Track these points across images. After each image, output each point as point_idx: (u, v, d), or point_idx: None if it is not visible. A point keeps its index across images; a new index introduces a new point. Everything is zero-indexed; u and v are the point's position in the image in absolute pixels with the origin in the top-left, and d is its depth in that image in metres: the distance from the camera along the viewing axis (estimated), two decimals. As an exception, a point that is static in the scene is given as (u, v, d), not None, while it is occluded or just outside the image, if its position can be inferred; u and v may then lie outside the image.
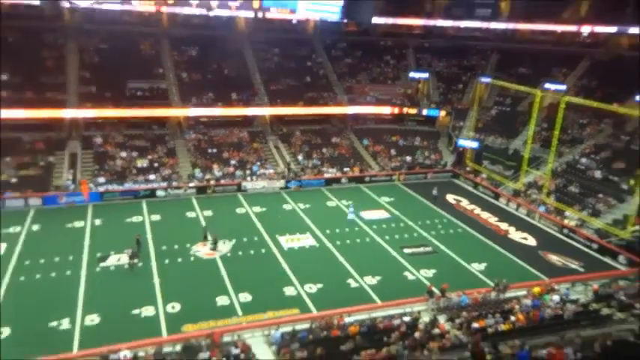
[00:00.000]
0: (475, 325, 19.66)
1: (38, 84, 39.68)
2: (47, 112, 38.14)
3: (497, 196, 38.99)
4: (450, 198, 38.80)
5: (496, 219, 35.07)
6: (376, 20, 49.98)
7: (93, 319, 21.26)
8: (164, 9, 42.70)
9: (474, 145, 43.47)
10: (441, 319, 20.99)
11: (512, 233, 32.93)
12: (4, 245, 27.33)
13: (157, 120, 42.44)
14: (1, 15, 42.10)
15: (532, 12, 48.28)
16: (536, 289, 23.50)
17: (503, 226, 33.99)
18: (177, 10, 43.36)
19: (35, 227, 30.25)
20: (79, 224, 30.86)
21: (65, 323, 20.87)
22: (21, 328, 20.40)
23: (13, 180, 34.49)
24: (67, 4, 36.56)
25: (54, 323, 20.81)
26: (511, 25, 51.50)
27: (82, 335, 20.22)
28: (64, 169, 36.61)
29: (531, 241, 31.84)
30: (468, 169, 43.30)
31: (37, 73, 40.48)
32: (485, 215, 35.69)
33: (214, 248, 28.02)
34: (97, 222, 31.38)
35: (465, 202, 38.08)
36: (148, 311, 22.01)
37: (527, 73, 48.20)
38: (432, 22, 53.00)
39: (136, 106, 40.55)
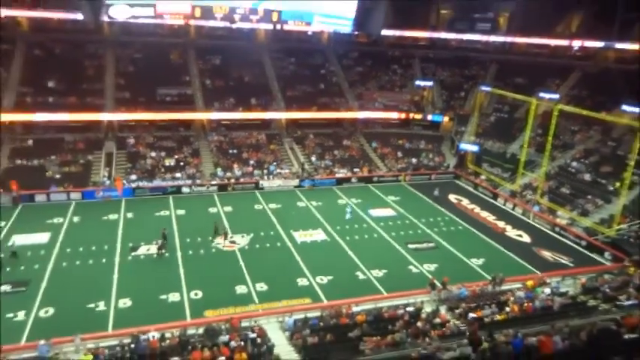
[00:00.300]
0: (473, 315, 19.67)
1: (80, 90, 40.36)
2: (87, 116, 38.91)
3: (495, 197, 38.75)
4: (452, 197, 38.61)
5: (494, 217, 34.87)
6: (385, 32, 49.82)
7: (125, 303, 21.66)
8: (192, 22, 42.99)
9: (475, 148, 43.23)
10: (442, 309, 21.03)
11: (509, 231, 32.74)
12: (48, 234, 27.91)
13: (183, 123, 42.82)
14: (50, 29, 43.21)
15: (528, 27, 47.93)
16: (530, 283, 23.42)
17: (501, 224, 33.79)
18: (204, 22, 43.60)
19: (75, 219, 30.80)
20: (113, 217, 31.32)
21: (101, 305, 21.34)
22: (63, 309, 20.93)
23: (57, 176, 35.14)
24: (106, 19, 36.97)
25: (91, 305, 21.29)
26: (509, 39, 51.43)
27: (116, 316, 20.65)
28: (101, 166, 37.15)
29: (526, 238, 31.63)
30: (468, 170, 43.06)
31: (79, 81, 41.21)
32: (484, 214, 35.49)
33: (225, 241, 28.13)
34: (129, 215, 31.82)
35: (465, 202, 37.90)
36: (173, 297, 22.33)
37: (524, 82, 47.70)
38: (436, 35, 52.78)
39: (164, 110, 40.96)
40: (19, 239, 26.94)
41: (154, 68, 43.57)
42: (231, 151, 41.50)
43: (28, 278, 23.14)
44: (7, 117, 37.18)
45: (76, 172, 36.05)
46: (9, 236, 27.41)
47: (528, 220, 34.86)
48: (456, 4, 51.94)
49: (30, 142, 37.92)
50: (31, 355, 17.06)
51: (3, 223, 29.14)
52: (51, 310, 20.77)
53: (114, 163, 37.78)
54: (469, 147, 43.54)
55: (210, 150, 41.47)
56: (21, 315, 20.26)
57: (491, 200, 38.66)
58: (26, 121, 38.31)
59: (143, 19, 40.48)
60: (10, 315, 20.17)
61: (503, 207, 37.36)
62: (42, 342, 17.09)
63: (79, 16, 39.03)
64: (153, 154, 39.25)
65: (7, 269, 23.82)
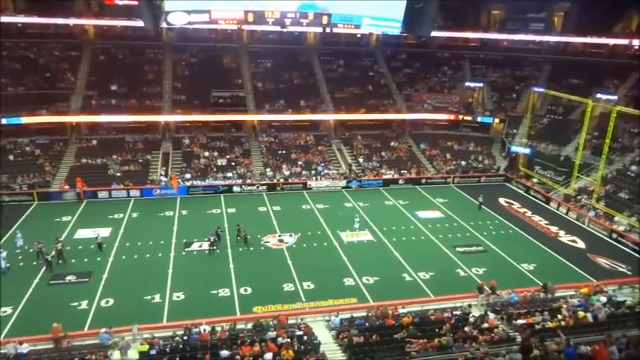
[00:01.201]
0: (523, 321, 18.93)
1: (140, 93, 42.18)
2: (146, 117, 40.56)
3: (548, 201, 37.16)
4: (502, 201, 37.35)
5: (546, 222, 33.42)
6: (435, 34, 48.81)
7: (179, 296, 22.32)
8: (245, 27, 43.81)
9: (527, 151, 41.67)
10: (490, 314, 20.35)
11: (562, 236, 31.25)
12: (110, 229, 29.26)
13: (235, 124, 43.83)
14: (114, 36, 45.39)
15: (584, 26, 45.63)
16: (584, 290, 22.25)
17: (554, 228, 32.34)
18: (256, 27, 44.32)
19: (134, 214, 32.18)
20: (169, 213, 32.46)
21: (157, 298, 22.12)
22: (122, 299, 21.88)
23: (118, 174, 36.78)
24: (165, 25, 38.36)
25: (148, 297, 22.11)
26: (564, 39, 49.05)
27: (170, 309, 21.31)
28: (159, 165, 38.55)
29: (580, 244, 30.08)
30: (519, 173, 41.56)
31: (139, 84, 43.04)
32: (536, 218, 34.09)
33: (246, 242, 27.86)
34: (184, 212, 32.86)
35: (516, 205, 36.55)
36: (224, 292, 22.80)
37: (579, 83, 45.49)
38: (487, 36, 51.20)
39: (218, 112, 42.09)
40: (84, 233, 28.51)
41: (208, 72, 44.88)
42: (280, 152, 42.02)
43: (91, 270, 24.35)
44: (75, 118, 39.56)
45: (135, 170, 37.63)
46: (74, 230, 29.01)
47: (583, 226, 33.18)
48: (509, 4, 50.17)
49: (94, 142, 39.93)
50: (94, 342, 17.92)
51: (69, 218, 30.84)
52: (111, 301, 21.73)
53: (170, 162, 39.13)
54: (521, 149, 42.03)
55: (260, 150, 42.12)
56: (84, 304, 21.32)
57: (544, 204, 37.11)
58: (91, 123, 40.51)
59: (199, 25, 41.63)
60: (75, 304, 21.29)
61: (557, 211, 35.77)
62: (103, 330, 17.95)
63: (140, 24, 40.66)
64: (206, 153, 40.32)
65: (73, 261, 25.17)
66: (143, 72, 44.41)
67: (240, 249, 27.42)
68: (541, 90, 44.41)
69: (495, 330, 18.05)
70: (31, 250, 25.70)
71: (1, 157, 36.26)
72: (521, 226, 32.53)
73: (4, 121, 36.80)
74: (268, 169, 39.43)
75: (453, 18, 49.35)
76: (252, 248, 27.57)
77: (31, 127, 38.88)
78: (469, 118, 46.57)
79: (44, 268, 23.96)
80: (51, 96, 39.50)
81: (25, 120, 37.59)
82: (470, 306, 20.83)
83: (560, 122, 44.51)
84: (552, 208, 36.24)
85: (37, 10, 40.22)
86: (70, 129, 40.34)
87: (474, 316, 19.71)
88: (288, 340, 16.96)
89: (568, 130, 42.84)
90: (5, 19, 39.68)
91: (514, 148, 42.56)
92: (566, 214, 35.02)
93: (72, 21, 42.72)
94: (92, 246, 26.77)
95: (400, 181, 40.20)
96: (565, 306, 20.42)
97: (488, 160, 44.12)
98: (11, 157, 36.60)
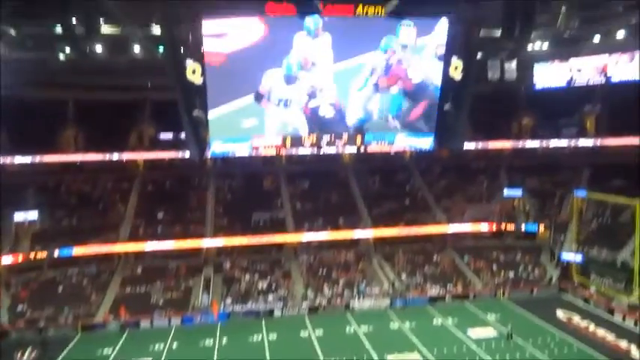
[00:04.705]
0: None
1: (184, 219, 43.78)
2: (190, 244, 41.38)
3: (611, 311, 34.29)
4: (560, 314, 34.70)
5: (613, 336, 30.47)
6: (467, 146, 49.49)
7: None
8: (283, 151, 45.99)
9: (578, 258, 39.54)
10: None
11: (634, 351, 28.19)
12: None
13: (275, 245, 44.05)
14: (162, 167, 48.45)
15: (619, 127, 45.37)
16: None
17: (622, 343, 29.34)
18: (294, 151, 46.38)
19: (174, 345, 31.54)
20: (209, 343, 31.55)
21: None
22: None
23: (160, 301, 36.97)
24: (209, 155, 40.87)
25: None
26: (599, 142, 48.49)
27: None
28: (200, 291, 38.56)
29: (657, 362, 27.00)
30: (575, 283, 39.07)
31: (184, 211, 44.83)
32: (601, 332, 31.14)
33: None
34: (224, 341, 31.86)
35: (576, 319, 33.70)
36: None
37: (624, 185, 44.04)
38: (520, 144, 51.50)
39: (258, 234, 42.64)
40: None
41: (249, 195, 46.64)
42: (320, 272, 41.51)
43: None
44: (123, 248, 40.94)
45: (176, 298, 37.74)
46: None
47: (657, 338, 30.03)
48: (537, 112, 51.23)
49: (139, 270, 40.81)
50: None
51: (109, 351, 30.48)
52: None
53: (211, 287, 39.15)
54: (571, 257, 39.96)
55: (301, 271, 41.81)
56: None
57: (607, 316, 34.19)
58: (137, 251, 41.72)
59: (241, 154, 44.11)
60: None
61: (623, 323, 32.78)
62: None
63: (187, 155, 43.50)
64: (247, 277, 40.30)
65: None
66: (187, 199, 46.53)
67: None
68: (583, 194, 43.34)
69: None
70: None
71: (51, 290, 37.38)
72: (586, 342, 29.81)
73: (56, 253, 38.59)
74: (309, 290, 38.72)
75: (483, 130, 50.40)
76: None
77: (81, 257, 40.40)
78: (512, 227, 45.30)
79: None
80: (102, 227, 41.56)
81: (76, 252, 39.24)
82: None
83: (610, 226, 42.58)
84: (617, 321, 33.26)
85: (95, 147, 43.79)
86: (117, 258, 41.67)
87: None
88: None
89: (620, 233, 40.70)
90: (67, 157, 43.64)
91: (564, 256, 40.56)
92: (635, 325, 31.97)
93: (124, 155, 46.23)
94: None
95: (447, 298, 38.42)
96: None
97: (538, 270, 41.98)
98: (60, 289, 37.67)
